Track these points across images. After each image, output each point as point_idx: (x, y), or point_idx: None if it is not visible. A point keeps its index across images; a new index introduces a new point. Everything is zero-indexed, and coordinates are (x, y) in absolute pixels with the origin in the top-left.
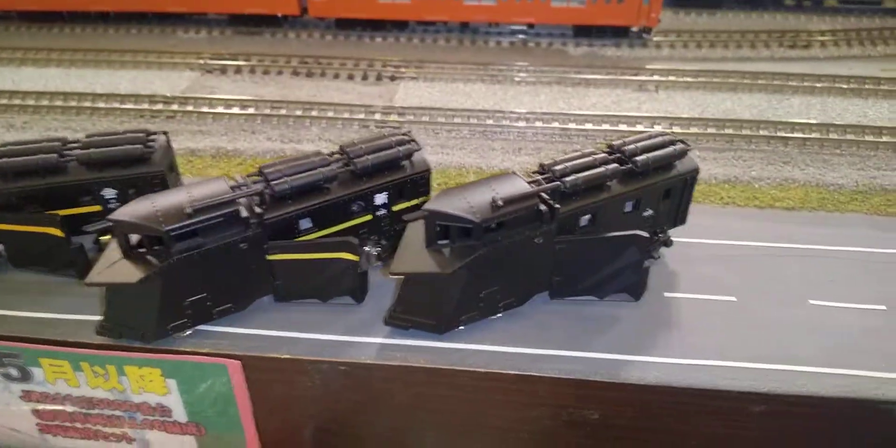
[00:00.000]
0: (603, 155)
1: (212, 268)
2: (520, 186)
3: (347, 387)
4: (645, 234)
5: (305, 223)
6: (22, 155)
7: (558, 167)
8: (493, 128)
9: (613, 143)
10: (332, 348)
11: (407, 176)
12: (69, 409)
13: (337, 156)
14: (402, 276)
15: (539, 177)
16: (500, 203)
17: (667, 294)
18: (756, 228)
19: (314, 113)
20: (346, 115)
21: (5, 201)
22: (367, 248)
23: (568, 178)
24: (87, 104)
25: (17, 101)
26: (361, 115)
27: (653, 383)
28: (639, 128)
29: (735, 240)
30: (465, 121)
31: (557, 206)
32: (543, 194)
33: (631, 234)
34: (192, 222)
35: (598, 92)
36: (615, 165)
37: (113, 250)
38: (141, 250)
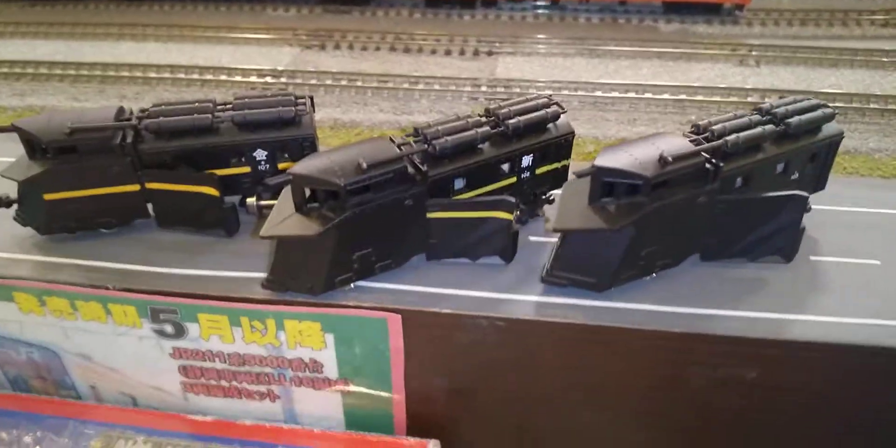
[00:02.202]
0: (756, 116)
1: (378, 223)
2: (683, 144)
3: (501, 343)
4: (805, 194)
5: (459, 183)
6: (176, 114)
7: (716, 127)
8: (604, 99)
9: (761, 105)
10: (487, 304)
11: (553, 138)
12: (218, 366)
13: (484, 118)
14: (561, 234)
15: (696, 136)
16: (670, 159)
17: (812, 257)
18: (886, 197)
19: (420, 86)
20: (453, 88)
21: (160, 160)
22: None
23: (730, 138)
24: (196, 76)
25: (124, 73)
26: (468, 88)
27: (813, 340)
28: (750, 100)
29: (867, 207)
30: (573, 92)
31: (721, 164)
32: (705, 153)
33: (791, 194)
34: (367, 177)
35: (700, 66)
36: (771, 126)
37: (284, 205)
38: (313, 205)
